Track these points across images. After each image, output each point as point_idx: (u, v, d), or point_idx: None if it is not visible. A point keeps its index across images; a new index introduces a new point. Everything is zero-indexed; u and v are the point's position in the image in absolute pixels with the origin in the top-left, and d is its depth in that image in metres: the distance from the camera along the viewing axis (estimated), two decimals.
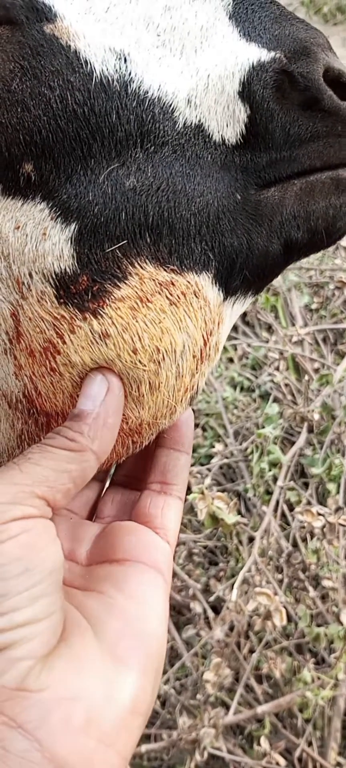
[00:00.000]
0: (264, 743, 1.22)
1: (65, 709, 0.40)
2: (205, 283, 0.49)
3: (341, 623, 1.28)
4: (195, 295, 0.48)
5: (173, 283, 0.47)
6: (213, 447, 1.69)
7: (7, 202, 0.45)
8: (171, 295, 0.47)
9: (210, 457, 1.69)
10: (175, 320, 0.48)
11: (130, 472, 0.60)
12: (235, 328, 2.04)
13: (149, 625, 0.47)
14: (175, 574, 1.45)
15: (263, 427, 1.58)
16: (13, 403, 0.50)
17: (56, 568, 0.44)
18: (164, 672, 1.37)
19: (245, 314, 2.05)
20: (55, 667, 0.41)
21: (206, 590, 1.45)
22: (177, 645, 1.39)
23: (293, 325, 1.93)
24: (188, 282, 0.48)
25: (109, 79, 0.45)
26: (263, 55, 0.48)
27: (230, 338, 2.01)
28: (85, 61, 0.45)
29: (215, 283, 0.50)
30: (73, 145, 0.45)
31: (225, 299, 0.51)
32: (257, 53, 0.48)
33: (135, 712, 0.44)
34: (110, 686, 0.43)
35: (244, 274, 0.51)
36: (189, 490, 1.51)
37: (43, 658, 0.41)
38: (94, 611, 0.46)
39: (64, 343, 0.47)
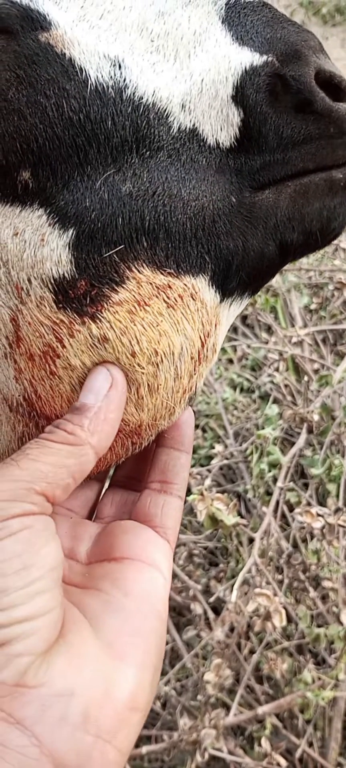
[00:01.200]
0: (265, 744, 1.22)
1: (63, 705, 0.41)
2: (201, 286, 0.49)
3: (341, 624, 1.28)
4: (192, 297, 0.49)
5: (170, 287, 0.48)
6: (213, 448, 1.69)
7: (6, 209, 0.46)
8: (168, 298, 0.48)
9: (210, 458, 1.70)
10: (172, 323, 0.48)
11: (130, 473, 0.60)
12: (234, 330, 2.04)
13: (148, 621, 0.47)
14: (175, 575, 1.45)
15: (263, 428, 1.58)
16: (14, 407, 0.51)
17: (56, 565, 0.45)
18: (165, 673, 1.37)
19: (244, 316, 2.05)
20: (54, 663, 0.42)
21: (207, 591, 1.45)
22: (177, 646, 1.39)
23: (293, 326, 1.93)
24: (185, 285, 0.48)
25: (104, 85, 0.46)
26: (256, 59, 0.49)
27: (229, 339, 2.01)
28: (80, 69, 0.45)
29: (212, 285, 0.50)
30: (69, 152, 0.45)
31: (222, 301, 0.52)
32: (249, 57, 0.49)
33: (133, 708, 0.44)
34: (108, 682, 0.43)
35: (240, 275, 0.51)
36: (189, 491, 1.52)
37: (42, 654, 0.42)
38: (92, 608, 0.47)
39: (63, 347, 0.47)
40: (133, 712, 0.44)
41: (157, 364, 0.48)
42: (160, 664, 0.49)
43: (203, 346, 0.50)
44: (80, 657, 0.43)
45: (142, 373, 0.48)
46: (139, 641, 0.46)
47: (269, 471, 1.51)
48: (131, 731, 0.44)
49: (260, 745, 1.23)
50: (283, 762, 1.20)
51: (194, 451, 1.74)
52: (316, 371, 1.74)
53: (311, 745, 1.28)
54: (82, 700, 0.42)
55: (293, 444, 1.61)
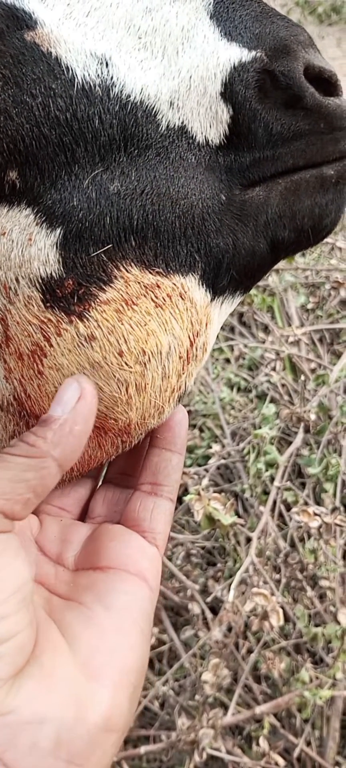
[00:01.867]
0: (263, 743, 1.22)
1: (33, 731, 0.40)
2: (191, 285, 0.49)
3: (338, 623, 1.28)
4: (181, 296, 0.49)
5: (158, 286, 0.48)
6: (210, 448, 1.69)
7: None
8: (156, 297, 0.48)
9: (207, 457, 1.69)
10: (160, 322, 0.48)
11: (123, 470, 0.60)
12: (231, 329, 2.04)
13: (127, 638, 0.47)
14: (172, 575, 1.45)
15: (260, 428, 1.58)
16: (5, 406, 0.51)
17: (21, 585, 0.43)
18: (163, 673, 1.37)
19: (241, 315, 2.05)
20: (24, 688, 0.41)
21: (204, 591, 1.45)
22: (175, 646, 1.39)
23: (290, 325, 1.93)
24: (174, 284, 0.48)
25: (91, 84, 0.45)
26: (244, 54, 0.48)
27: (226, 339, 2.01)
28: (67, 68, 0.45)
29: (202, 284, 0.50)
30: (56, 151, 0.45)
31: (213, 300, 0.51)
32: (238, 53, 0.48)
33: (108, 729, 0.43)
34: (81, 705, 0.42)
35: (231, 274, 0.51)
36: (186, 491, 1.52)
37: (11, 678, 0.41)
38: (72, 624, 0.46)
39: (51, 346, 0.47)
40: (107, 734, 0.43)
41: (145, 364, 0.48)
42: (141, 681, 0.48)
43: (191, 345, 0.50)
44: (52, 679, 0.42)
45: (130, 372, 0.48)
46: (117, 660, 0.45)
47: (267, 470, 1.51)
48: (106, 753, 0.43)
49: (258, 744, 1.23)
50: (281, 761, 1.20)
51: (191, 451, 1.74)
52: (313, 370, 1.74)
53: (309, 744, 1.28)
54: (54, 725, 0.41)
55: (290, 443, 1.61)
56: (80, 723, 0.42)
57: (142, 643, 0.47)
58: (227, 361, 2.00)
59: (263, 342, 1.93)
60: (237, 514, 1.56)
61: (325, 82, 0.51)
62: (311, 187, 0.52)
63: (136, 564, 0.50)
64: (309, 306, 2.02)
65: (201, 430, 1.80)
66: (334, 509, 1.38)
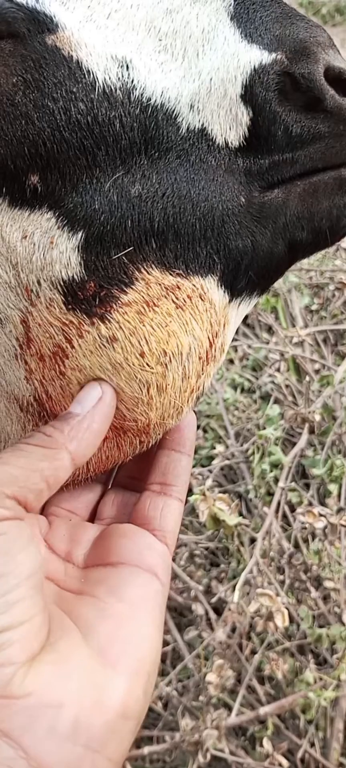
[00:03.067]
0: (267, 744, 1.22)
1: (51, 716, 0.40)
2: (210, 286, 0.49)
3: (343, 624, 1.28)
4: (201, 298, 0.49)
5: (178, 287, 0.48)
6: (214, 448, 1.69)
7: (15, 213, 0.46)
8: (177, 298, 0.48)
9: (211, 458, 1.69)
10: (181, 323, 0.48)
11: (132, 474, 0.60)
12: (235, 330, 2.03)
13: (142, 628, 0.47)
14: (176, 576, 1.45)
15: (264, 429, 1.58)
16: (25, 407, 0.51)
17: (33, 571, 0.44)
18: (166, 674, 1.37)
19: (245, 316, 2.05)
20: (41, 672, 0.41)
21: (208, 592, 1.45)
22: (179, 647, 1.39)
23: (294, 326, 1.93)
24: (194, 285, 0.48)
25: (112, 87, 0.46)
26: (265, 57, 0.48)
27: None
28: (88, 71, 0.45)
29: (221, 285, 0.50)
30: (77, 155, 0.45)
31: (230, 301, 0.52)
32: (258, 55, 0.48)
33: (125, 716, 0.43)
34: (98, 690, 0.42)
35: (249, 275, 0.51)
36: (190, 492, 1.51)
37: (27, 662, 0.41)
38: (85, 616, 0.46)
39: (72, 347, 0.47)
40: (124, 721, 0.43)
41: (166, 365, 0.49)
42: (156, 671, 0.48)
43: (211, 346, 0.50)
44: (69, 664, 0.42)
45: (151, 373, 0.49)
46: (132, 648, 0.45)
47: (271, 471, 1.51)
48: (123, 740, 0.43)
49: (261, 745, 1.23)
50: (285, 762, 1.20)
51: (195, 452, 1.73)
52: (317, 371, 1.74)
53: (312, 745, 1.28)
54: (71, 709, 0.41)
55: (294, 444, 1.61)
56: (98, 708, 0.42)
57: (156, 634, 0.48)
58: (231, 361, 2.00)
59: (267, 343, 1.93)
60: (241, 514, 1.56)
61: (344, 83, 0.51)
62: (330, 189, 0.52)
63: (147, 560, 0.50)
64: (313, 307, 2.02)
65: (205, 431, 1.80)
66: (339, 510, 1.38)
